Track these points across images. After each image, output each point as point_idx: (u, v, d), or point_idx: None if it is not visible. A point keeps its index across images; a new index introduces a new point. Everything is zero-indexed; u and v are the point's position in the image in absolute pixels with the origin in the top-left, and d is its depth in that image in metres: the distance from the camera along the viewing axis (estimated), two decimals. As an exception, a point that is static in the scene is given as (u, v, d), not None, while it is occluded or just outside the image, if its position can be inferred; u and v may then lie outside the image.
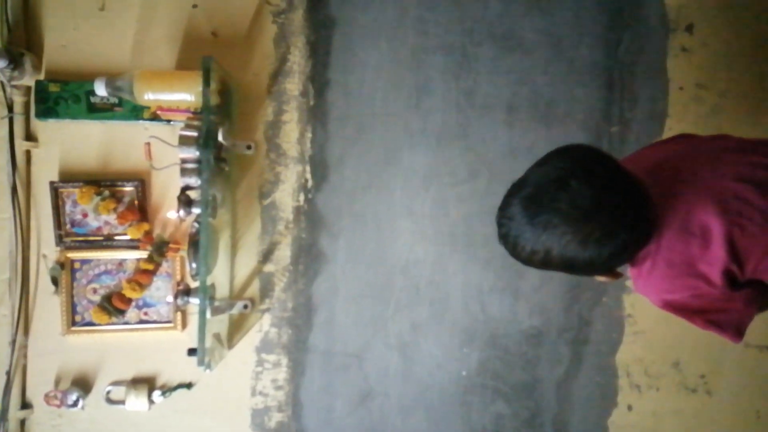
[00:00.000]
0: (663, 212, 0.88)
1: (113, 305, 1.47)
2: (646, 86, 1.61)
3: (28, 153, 1.53)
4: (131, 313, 1.55)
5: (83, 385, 1.56)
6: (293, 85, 1.58)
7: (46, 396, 1.52)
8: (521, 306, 1.61)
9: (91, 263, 1.54)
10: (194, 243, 1.35)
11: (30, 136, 1.53)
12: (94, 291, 1.55)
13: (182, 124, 1.40)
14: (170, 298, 1.55)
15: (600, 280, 0.98)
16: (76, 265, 1.54)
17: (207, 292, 1.34)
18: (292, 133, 1.59)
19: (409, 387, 1.62)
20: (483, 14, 1.59)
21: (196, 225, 1.38)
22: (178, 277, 1.55)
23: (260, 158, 1.58)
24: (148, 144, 1.48)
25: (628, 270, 0.99)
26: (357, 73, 1.59)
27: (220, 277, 1.48)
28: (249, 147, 1.57)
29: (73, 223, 1.53)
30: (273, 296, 1.60)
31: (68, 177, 1.53)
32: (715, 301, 0.94)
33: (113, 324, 1.53)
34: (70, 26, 1.53)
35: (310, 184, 1.60)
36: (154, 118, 1.49)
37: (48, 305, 1.54)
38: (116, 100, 1.49)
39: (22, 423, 1.55)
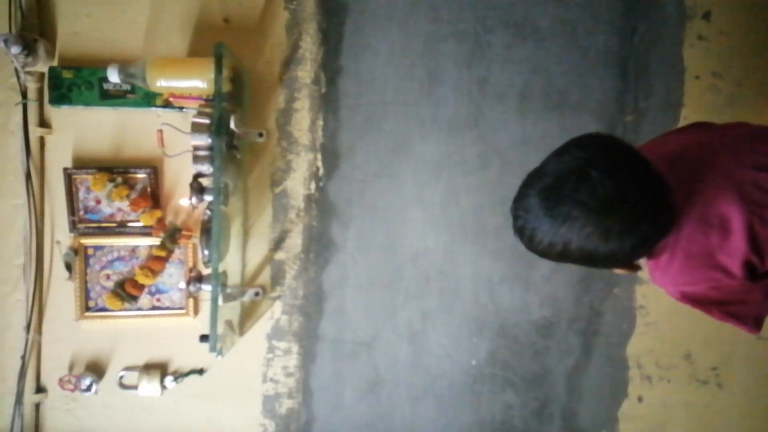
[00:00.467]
0: (682, 203, 0.87)
1: (126, 291, 1.49)
2: (662, 75, 1.59)
3: (41, 139, 1.54)
4: (144, 300, 1.56)
5: (96, 370, 1.58)
6: (305, 72, 1.58)
7: (60, 380, 1.54)
8: (531, 296, 1.61)
9: (104, 249, 1.56)
10: (206, 230, 1.36)
11: (44, 123, 1.54)
12: (108, 277, 1.56)
13: (194, 111, 1.40)
14: (182, 285, 1.56)
15: (618, 273, 0.97)
16: (90, 252, 1.55)
17: (219, 279, 1.35)
18: (303, 121, 1.59)
19: (419, 376, 1.63)
20: (496, 1, 1.57)
21: (208, 212, 1.38)
22: (191, 264, 1.56)
23: (272, 146, 1.58)
24: (161, 131, 1.48)
25: (644, 263, 0.97)
26: (368, 61, 1.58)
27: (231, 265, 1.49)
28: (261, 135, 1.57)
29: (86, 210, 1.54)
30: (284, 284, 1.60)
31: (81, 163, 1.54)
32: (733, 293, 0.92)
33: (126, 310, 1.55)
34: (83, 13, 1.53)
35: (321, 172, 1.60)
36: (167, 105, 1.50)
37: (62, 291, 1.56)
38: (129, 87, 1.50)
39: (37, 407, 1.58)
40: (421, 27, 1.57)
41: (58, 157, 1.54)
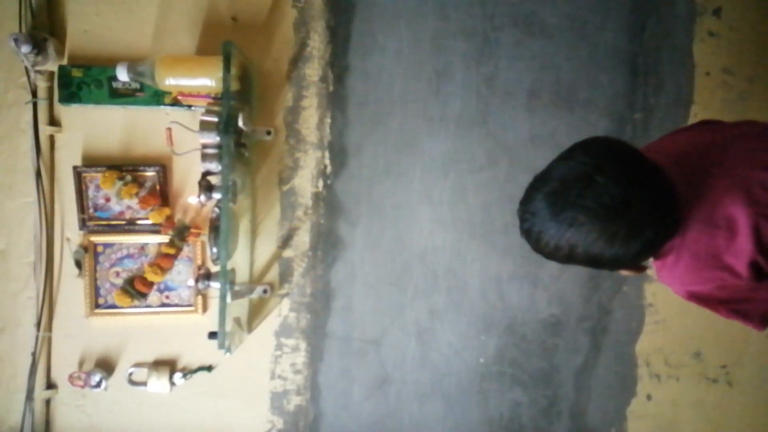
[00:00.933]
0: (688, 203, 0.86)
1: (135, 288, 1.49)
2: (672, 72, 1.57)
3: (51, 138, 1.55)
4: (153, 297, 1.57)
5: (106, 366, 1.59)
6: (313, 70, 1.58)
7: (71, 377, 1.55)
8: (540, 294, 1.60)
9: (114, 247, 1.57)
10: (215, 228, 1.36)
11: (53, 121, 1.55)
12: (117, 274, 1.57)
13: (203, 110, 1.41)
14: (191, 282, 1.56)
15: (624, 274, 0.97)
16: (99, 249, 1.56)
17: (227, 277, 1.35)
18: (311, 119, 1.59)
19: (427, 373, 1.63)
20: (505, -2, 1.57)
21: (216, 210, 1.39)
22: (199, 262, 1.56)
23: (280, 144, 1.59)
24: (170, 129, 1.48)
25: (651, 261, 0.97)
26: (376, 59, 1.58)
27: (240, 262, 1.50)
28: (269, 132, 1.57)
29: (96, 208, 1.55)
30: (292, 281, 1.61)
31: (91, 162, 1.55)
32: (739, 292, 0.92)
33: (135, 307, 1.55)
34: (92, 11, 1.54)
35: (328, 170, 1.60)
36: (175, 103, 1.50)
37: (72, 288, 1.57)
38: (138, 86, 1.50)
39: (47, 403, 1.59)
40: (429, 24, 1.57)
41: (68, 156, 1.55)
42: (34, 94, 1.52)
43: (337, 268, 1.61)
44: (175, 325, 1.58)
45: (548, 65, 1.57)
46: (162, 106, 1.52)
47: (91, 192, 1.55)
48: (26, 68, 1.49)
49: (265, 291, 1.59)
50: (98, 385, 1.55)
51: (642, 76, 1.57)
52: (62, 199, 1.56)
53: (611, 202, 0.77)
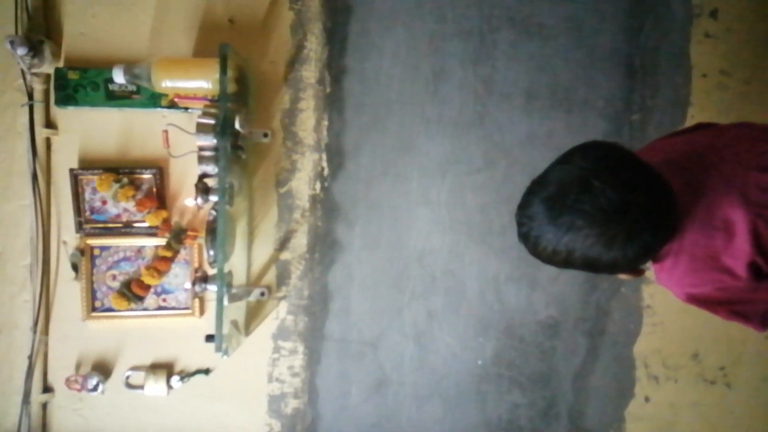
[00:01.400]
0: (686, 206, 0.87)
1: (132, 291, 1.49)
2: (668, 73, 1.58)
3: (48, 140, 1.54)
4: (150, 300, 1.56)
5: (103, 369, 1.59)
6: (310, 72, 1.58)
7: (67, 380, 1.54)
8: (538, 296, 1.60)
9: (111, 250, 1.56)
10: (212, 230, 1.36)
11: (50, 124, 1.54)
12: (114, 277, 1.56)
13: (199, 112, 1.40)
14: (188, 285, 1.56)
15: (622, 278, 0.97)
16: (96, 252, 1.56)
17: (224, 279, 1.35)
18: (308, 121, 1.59)
19: (424, 375, 1.62)
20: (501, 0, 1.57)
21: (213, 212, 1.38)
22: (196, 264, 1.56)
23: (277, 146, 1.58)
24: (166, 131, 1.48)
25: (649, 264, 0.97)
26: (374, 60, 1.57)
27: (237, 265, 1.49)
28: (266, 135, 1.57)
29: (92, 210, 1.55)
30: (289, 284, 1.60)
31: (87, 164, 1.54)
32: (739, 293, 0.92)
33: (132, 310, 1.55)
34: (89, 13, 1.54)
35: (326, 172, 1.59)
36: (172, 105, 1.50)
37: (68, 291, 1.56)
38: (134, 88, 1.50)
39: (44, 406, 1.58)
40: (426, 26, 1.57)
41: (65, 158, 1.55)
42: (31, 96, 1.51)
43: (335, 270, 1.61)
44: (172, 328, 1.58)
45: (545, 67, 1.57)
46: (158, 109, 1.51)
47: (87, 195, 1.54)
48: (22, 71, 1.49)
49: (262, 294, 1.59)
50: (95, 388, 1.54)
51: (639, 77, 1.57)
52: (58, 202, 1.55)
53: (609, 206, 0.77)
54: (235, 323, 1.50)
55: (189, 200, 1.53)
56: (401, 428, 1.64)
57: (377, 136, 1.59)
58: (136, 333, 1.58)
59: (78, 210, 1.54)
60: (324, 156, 1.59)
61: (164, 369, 1.58)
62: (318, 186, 1.60)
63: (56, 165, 1.55)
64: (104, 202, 1.55)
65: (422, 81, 1.58)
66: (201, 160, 1.38)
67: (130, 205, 1.53)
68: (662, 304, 1.60)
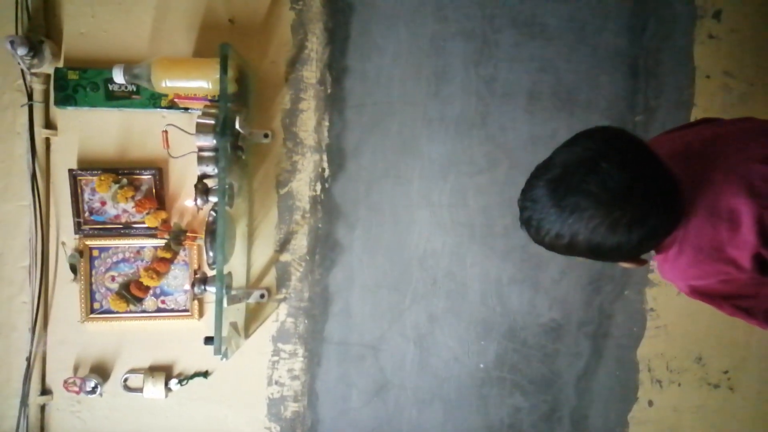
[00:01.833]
0: (690, 197, 0.86)
1: (131, 293, 1.49)
2: (672, 74, 1.57)
3: (47, 141, 1.54)
4: (149, 302, 1.55)
5: (101, 372, 1.58)
6: (311, 72, 1.57)
7: (65, 382, 1.53)
8: (540, 298, 1.59)
9: (110, 251, 1.55)
10: (211, 231, 1.35)
11: (49, 124, 1.54)
12: (113, 279, 1.55)
13: (199, 112, 1.40)
14: (187, 287, 1.55)
15: (624, 266, 0.96)
16: (95, 253, 1.55)
17: (224, 281, 1.34)
18: (309, 122, 1.58)
19: (426, 379, 1.61)
20: (503, 0, 1.56)
21: (213, 213, 1.37)
22: (195, 266, 1.55)
23: (277, 147, 1.57)
24: (166, 132, 1.47)
25: (652, 256, 0.96)
26: (375, 61, 1.57)
27: (236, 266, 1.48)
28: (266, 135, 1.56)
29: (91, 211, 1.54)
30: (289, 286, 1.59)
31: (87, 165, 1.54)
32: (743, 287, 0.91)
33: (131, 312, 1.54)
34: (89, 13, 1.53)
35: (326, 173, 1.59)
36: (172, 105, 1.49)
37: (67, 292, 1.55)
38: (134, 88, 1.49)
39: (42, 408, 1.57)
40: (427, 26, 1.56)
41: (64, 159, 1.54)
42: (30, 96, 1.51)
43: (335, 272, 1.59)
44: (171, 330, 1.57)
45: (548, 67, 1.56)
46: (158, 109, 1.50)
47: (86, 195, 1.53)
48: (22, 71, 1.48)
49: (262, 296, 1.58)
50: (93, 390, 1.53)
51: (642, 78, 1.56)
52: (57, 203, 1.55)
53: (616, 187, 0.76)
54: (234, 325, 1.48)
55: (188, 201, 1.52)
56: (402, 432, 1.63)
57: (378, 137, 1.58)
58: (134, 335, 1.57)
59: (77, 211, 1.53)
60: (325, 157, 1.58)
61: (163, 371, 1.57)
62: (318, 187, 1.59)
63: (55, 165, 1.54)
64: (103, 203, 1.54)
65: (424, 81, 1.57)
66: (201, 160, 1.37)
67: (130, 206, 1.52)
68: (666, 307, 1.59)
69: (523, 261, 1.57)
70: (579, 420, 1.61)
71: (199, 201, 1.36)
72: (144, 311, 1.56)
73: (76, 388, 1.52)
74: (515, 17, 1.56)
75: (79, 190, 1.53)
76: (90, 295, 1.55)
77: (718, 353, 1.60)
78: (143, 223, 1.51)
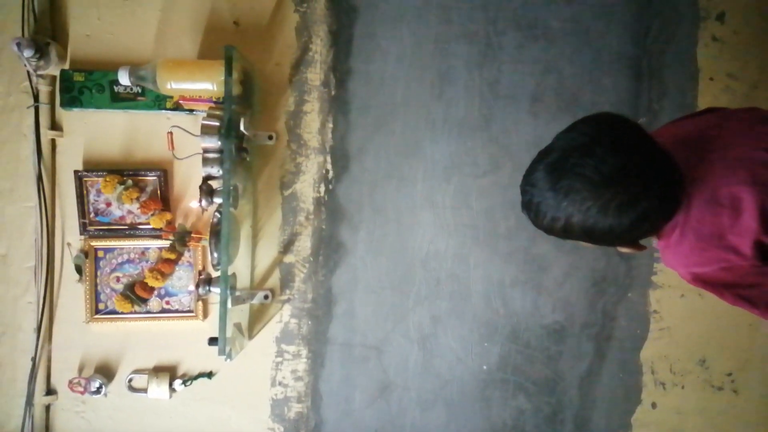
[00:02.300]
0: (692, 183, 0.87)
1: (136, 294, 1.49)
2: (675, 76, 1.57)
3: (53, 142, 1.55)
4: (153, 302, 1.56)
5: (106, 372, 1.58)
6: (315, 74, 1.58)
7: (70, 383, 1.54)
8: (544, 300, 1.59)
9: (115, 252, 1.56)
10: (216, 233, 1.35)
11: (55, 126, 1.55)
12: (117, 279, 1.56)
13: (204, 114, 1.40)
14: (192, 288, 1.55)
15: (623, 251, 0.97)
16: (100, 254, 1.56)
17: (228, 282, 1.34)
18: (313, 124, 1.58)
19: (429, 380, 1.61)
20: (507, 2, 1.56)
21: (217, 215, 1.38)
22: (200, 267, 1.55)
23: (281, 148, 1.58)
24: (171, 133, 1.48)
25: (655, 243, 0.96)
26: (379, 63, 1.57)
27: (241, 268, 1.49)
28: (270, 137, 1.56)
29: (96, 212, 1.55)
30: (293, 287, 1.60)
31: (92, 166, 1.54)
32: (745, 276, 0.91)
33: (136, 312, 1.55)
34: (94, 16, 1.54)
35: (330, 174, 1.59)
36: (177, 107, 1.50)
37: (72, 293, 1.56)
38: (139, 90, 1.50)
39: (47, 408, 1.58)
40: (431, 28, 1.57)
41: (69, 160, 1.55)
42: (36, 98, 1.51)
43: (339, 273, 1.60)
44: (176, 330, 1.57)
45: (551, 69, 1.56)
46: (163, 111, 1.51)
47: (92, 196, 1.54)
48: (28, 72, 1.49)
49: (266, 297, 1.58)
50: (98, 391, 1.54)
51: (646, 80, 1.56)
52: (63, 204, 1.55)
53: (608, 170, 0.78)
54: (238, 326, 1.49)
55: (193, 202, 1.53)
56: (405, 433, 1.63)
57: (382, 139, 1.58)
58: (139, 336, 1.58)
59: (82, 212, 1.54)
60: (329, 158, 1.59)
61: (167, 372, 1.58)
62: (322, 189, 1.59)
63: (61, 167, 1.55)
64: (108, 204, 1.54)
65: (427, 83, 1.57)
66: (205, 162, 1.37)
67: (135, 207, 1.53)
68: (669, 309, 1.59)
69: (526, 263, 1.57)
70: (582, 422, 1.61)
71: (203, 202, 1.37)
72: (148, 312, 1.57)
73: (81, 389, 1.53)
74: (518, 20, 1.56)
75: (85, 192, 1.53)
76: (95, 296, 1.55)
77: (721, 355, 1.60)
78: (148, 224, 1.52)
